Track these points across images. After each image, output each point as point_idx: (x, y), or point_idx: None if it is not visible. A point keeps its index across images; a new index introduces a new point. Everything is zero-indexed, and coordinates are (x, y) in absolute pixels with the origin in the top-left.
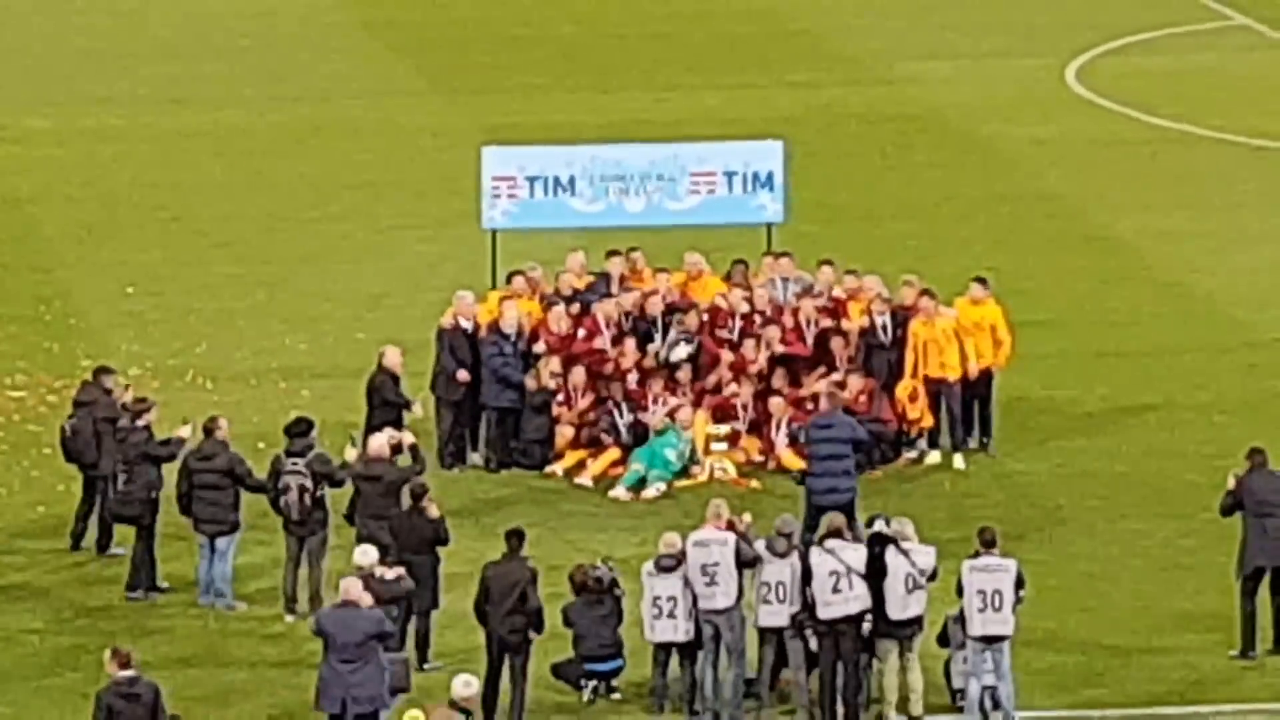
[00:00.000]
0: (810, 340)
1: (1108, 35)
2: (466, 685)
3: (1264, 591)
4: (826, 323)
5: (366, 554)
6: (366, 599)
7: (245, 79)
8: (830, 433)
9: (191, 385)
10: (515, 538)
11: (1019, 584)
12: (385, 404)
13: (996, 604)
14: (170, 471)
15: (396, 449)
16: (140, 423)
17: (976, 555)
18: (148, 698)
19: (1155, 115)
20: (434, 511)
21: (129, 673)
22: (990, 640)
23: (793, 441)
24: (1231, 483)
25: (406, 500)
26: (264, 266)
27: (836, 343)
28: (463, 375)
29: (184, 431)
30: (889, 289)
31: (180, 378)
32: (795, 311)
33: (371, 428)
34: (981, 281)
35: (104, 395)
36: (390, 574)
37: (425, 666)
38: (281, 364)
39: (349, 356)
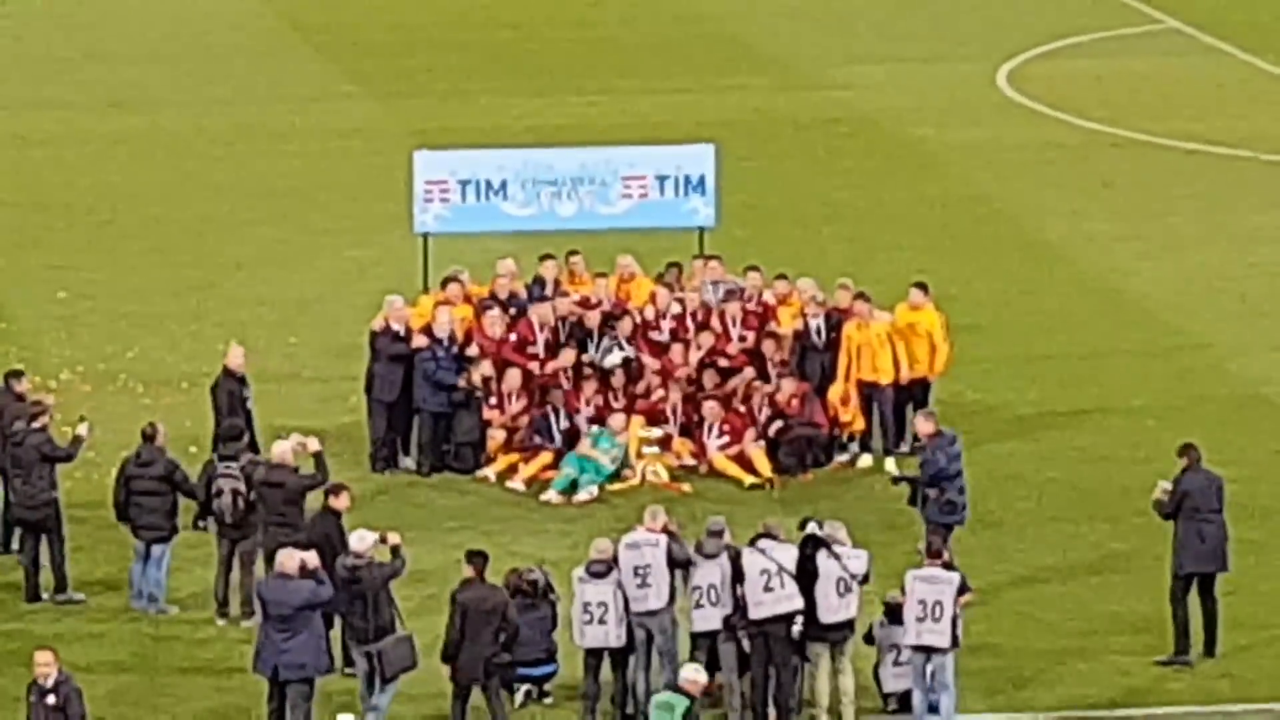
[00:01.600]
0: (735, 343)
1: (1039, 39)
2: (361, 540)
3: (1194, 595)
4: (750, 329)
5: (364, 539)
6: (296, 570)
7: (178, 83)
8: (958, 448)
9: (123, 390)
10: (480, 559)
11: (961, 592)
12: (231, 406)
13: (936, 615)
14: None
15: (318, 457)
16: (35, 424)
17: (920, 565)
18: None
19: (1086, 119)
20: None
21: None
22: (928, 651)
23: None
24: (1164, 487)
25: (317, 502)
26: (195, 271)
27: (768, 346)
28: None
29: (82, 430)
30: (823, 292)
31: (112, 382)
32: (723, 315)
33: (220, 431)
34: (921, 287)
35: (14, 401)
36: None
37: (348, 670)
38: (213, 368)
39: (281, 361)
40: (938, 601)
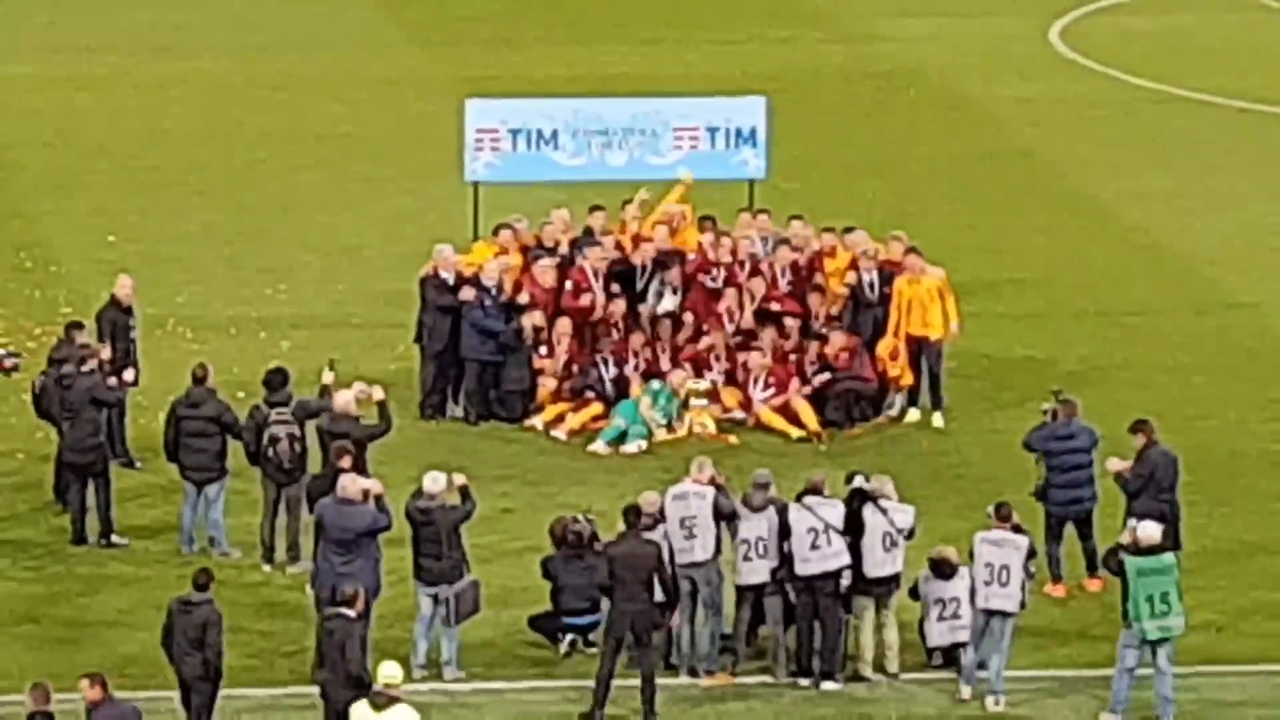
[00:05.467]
0: (784, 292)
1: None
2: (434, 482)
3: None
4: (796, 280)
5: (436, 481)
6: (360, 495)
7: (224, 28)
8: (1073, 443)
9: (171, 335)
10: (634, 514)
11: (1030, 557)
12: (114, 335)
13: (1003, 579)
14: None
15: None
16: (85, 368)
17: (989, 528)
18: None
19: (1137, 76)
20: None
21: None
22: (992, 614)
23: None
24: (1116, 463)
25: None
26: (242, 216)
27: (813, 299)
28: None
29: (127, 375)
30: (874, 245)
31: (160, 327)
32: (772, 265)
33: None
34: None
35: (76, 351)
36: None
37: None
38: (260, 314)
39: (328, 307)
40: (1005, 565)
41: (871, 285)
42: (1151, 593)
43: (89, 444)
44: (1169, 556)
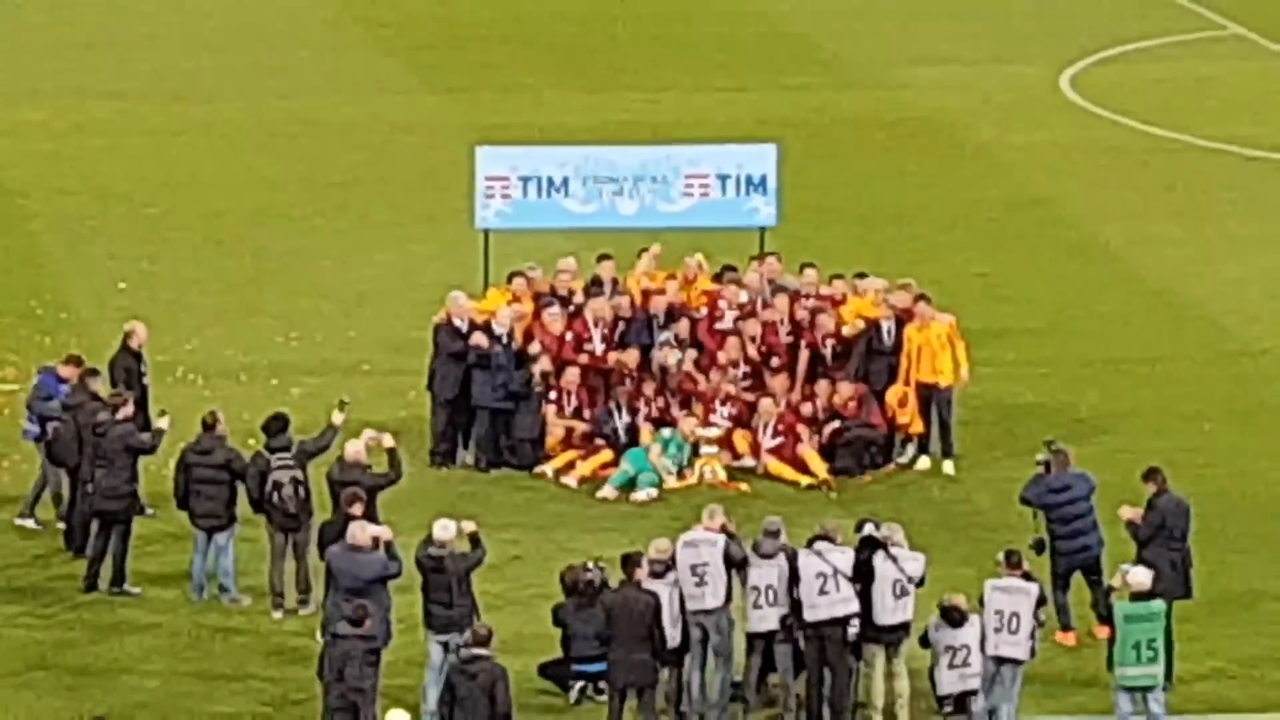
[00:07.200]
0: (782, 338)
1: (1102, 43)
2: (444, 529)
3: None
4: (797, 325)
5: (446, 528)
6: (370, 542)
7: (237, 74)
8: (1070, 494)
9: (182, 381)
10: (631, 563)
11: (1040, 604)
12: (128, 383)
13: (1013, 626)
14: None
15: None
16: (119, 415)
17: (999, 575)
18: None
19: (1148, 123)
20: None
21: None
22: (1003, 661)
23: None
24: (1128, 511)
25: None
26: (254, 263)
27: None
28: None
29: (162, 423)
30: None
31: (171, 374)
32: (770, 309)
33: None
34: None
35: (90, 399)
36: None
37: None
38: (272, 361)
39: (339, 354)
40: (1015, 613)
41: (889, 332)
42: (1139, 639)
43: (122, 491)
44: (1158, 603)
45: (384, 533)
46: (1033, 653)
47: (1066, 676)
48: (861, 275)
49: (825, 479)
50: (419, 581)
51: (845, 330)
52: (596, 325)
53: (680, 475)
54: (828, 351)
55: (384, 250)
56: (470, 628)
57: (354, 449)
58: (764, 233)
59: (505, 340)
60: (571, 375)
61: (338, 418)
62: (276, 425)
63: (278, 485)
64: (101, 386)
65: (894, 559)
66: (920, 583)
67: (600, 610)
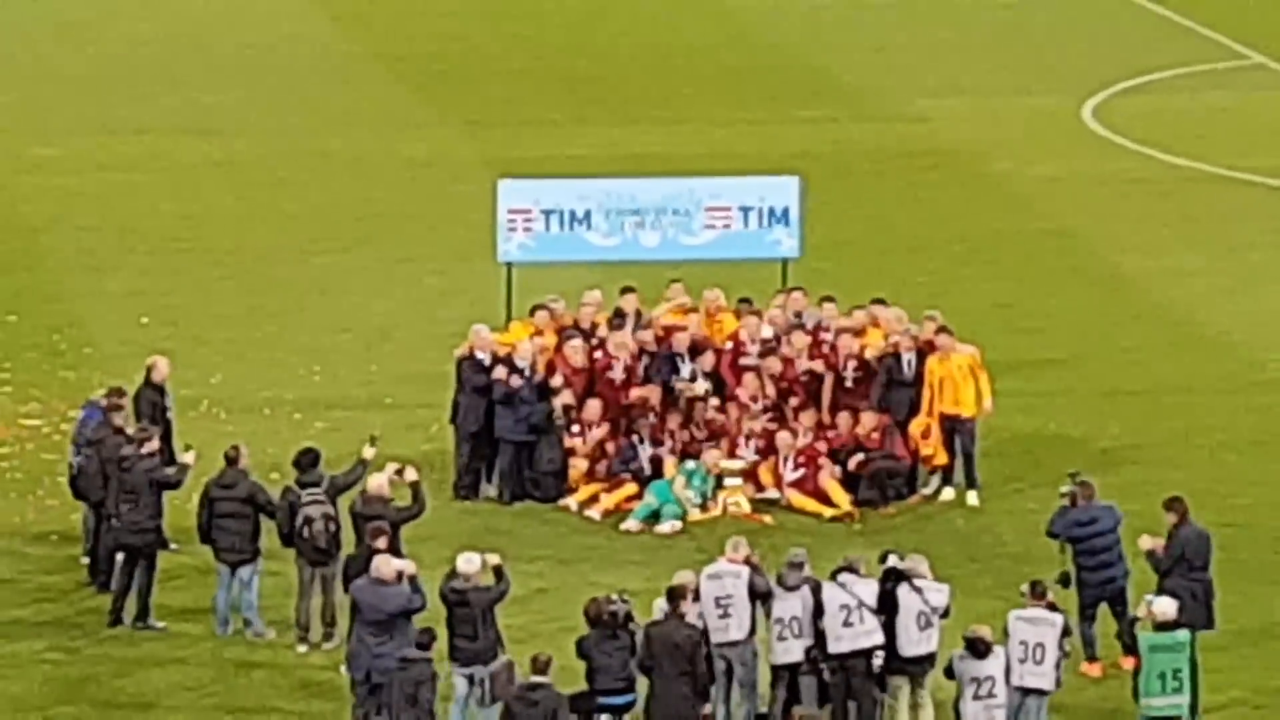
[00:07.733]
0: (801, 372)
1: (1124, 74)
2: (469, 562)
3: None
4: (817, 358)
5: (471, 561)
6: (394, 576)
7: (259, 109)
8: (1097, 527)
9: (205, 416)
10: (675, 595)
11: (1065, 634)
12: (152, 417)
13: (1038, 657)
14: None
15: (416, 486)
16: (144, 450)
17: (1024, 605)
18: None
19: (1171, 154)
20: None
21: None
22: (1028, 692)
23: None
24: (1148, 541)
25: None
26: (276, 298)
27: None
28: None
29: (188, 458)
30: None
31: (194, 408)
32: (816, 335)
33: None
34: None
35: (113, 434)
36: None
37: None
38: (295, 395)
39: (362, 388)
40: (1039, 644)
41: (909, 363)
42: (1164, 669)
43: (146, 526)
44: (1183, 633)
45: (408, 566)
46: (1058, 683)
47: (1092, 707)
48: (879, 302)
49: (849, 510)
50: (443, 615)
51: (868, 353)
52: (618, 358)
53: (704, 508)
54: (849, 375)
55: (406, 284)
56: (493, 659)
57: (377, 483)
58: (786, 265)
59: (527, 373)
60: (593, 408)
61: (368, 452)
62: (307, 460)
63: (308, 520)
64: (124, 420)
65: (918, 590)
66: (945, 614)
67: (641, 640)
